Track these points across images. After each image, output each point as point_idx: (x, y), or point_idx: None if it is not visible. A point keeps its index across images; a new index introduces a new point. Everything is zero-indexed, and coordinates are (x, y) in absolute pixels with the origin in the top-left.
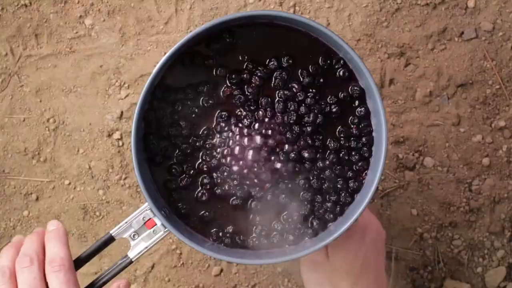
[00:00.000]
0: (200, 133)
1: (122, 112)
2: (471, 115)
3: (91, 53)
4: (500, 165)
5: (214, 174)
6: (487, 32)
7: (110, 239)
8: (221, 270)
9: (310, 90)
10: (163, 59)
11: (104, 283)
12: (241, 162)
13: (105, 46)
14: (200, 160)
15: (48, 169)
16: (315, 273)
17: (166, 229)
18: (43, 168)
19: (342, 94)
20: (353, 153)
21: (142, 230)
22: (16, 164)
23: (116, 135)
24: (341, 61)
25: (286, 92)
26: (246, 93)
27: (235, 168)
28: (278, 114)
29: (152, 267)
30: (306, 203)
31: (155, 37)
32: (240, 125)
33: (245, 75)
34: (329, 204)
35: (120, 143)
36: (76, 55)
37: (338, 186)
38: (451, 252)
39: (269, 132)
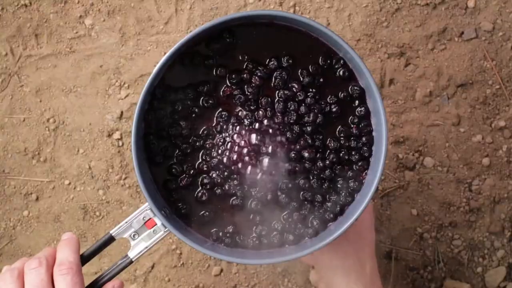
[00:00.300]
0: (200, 133)
1: (122, 112)
2: (471, 115)
3: (91, 53)
4: (500, 165)
5: (214, 174)
6: (487, 32)
7: (110, 239)
8: (221, 270)
9: (310, 90)
10: (163, 59)
11: (104, 283)
12: (241, 162)
13: (105, 46)
14: (200, 160)
15: (48, 169)
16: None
17: (166, 229)
18: (43, 168)
19: (342, 94)
20: (353, 153)
21: (142, 230)
22: (16, 164)
23: (116, 135)
24: (341, 61)
25: (286, 92)
26: (246, 93)
27: (235, 168)
28: (278, 114)
29: (152, 267)
30: (306, 202)
31: (155, 37)
32: (240, 125)
33: (245, 75)
34: (329, 204)
35: (120, 143)
36: (76, 55)
37: (338, 185)
38: (451, 252)
39: (269, 131)
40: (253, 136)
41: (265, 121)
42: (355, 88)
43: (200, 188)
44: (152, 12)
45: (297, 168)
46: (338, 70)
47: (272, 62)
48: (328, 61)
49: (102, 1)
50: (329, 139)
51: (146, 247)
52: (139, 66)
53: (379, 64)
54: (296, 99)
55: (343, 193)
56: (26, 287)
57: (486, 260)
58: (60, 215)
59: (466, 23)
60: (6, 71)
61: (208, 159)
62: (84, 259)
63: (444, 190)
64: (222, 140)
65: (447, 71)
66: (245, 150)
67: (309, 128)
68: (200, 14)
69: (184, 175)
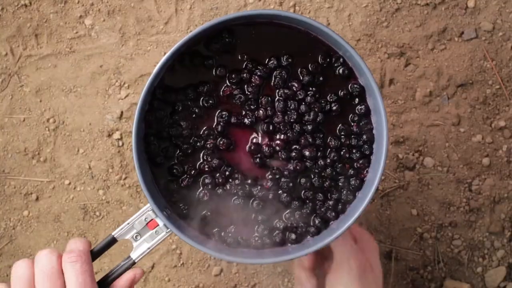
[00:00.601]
0: (201, 133)
1: (122, 112)
2: (471, 115)
3: (91, 53)
4: (500, 165)
5: (216, 174)
6: (487, 32)
7: (113, 241)
8: (221, 270)
9: (310, 89)
10: (163, 59)
11: (109, 284)
12: (242, 162)
13: (105, 46)
14: (201, 160)
15: (48, 169)
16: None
17: (169, 229)
18: (43, 168)
19: (342, 92)
20: (354, 151)
21: (144, 231)
22: (16, 164)
23: (116, 135)
24: (341, 59)
25: (286, 91)
26: (246, 92)
27: (236, 167)
28: (279, 113)
29: (152, 267)
30: (307, 201)
31: (155, 37)
32: (241, 124)
33: (245, 75)
34: (330, 202)
35: (120, 143)
36: (76, 55)
37: (339, 184)
38: (451, 252)
39: (270, 131)
40: (254, 135)
41: (266, 121)
42: (355, 86)
43: (201, 188)
44: (152, 12)
45: (298, 167)
46: (338, 69)
47: (271, 62)
48: (328, 60)
49: (102, 1)
50: (329, 137)
51: (149, 248)
52: (139, 66)
53: (379, 64)
54: (296, 98)
55: (344, 192)
56: (36, 272)
57: (486, 260)
58: (60, 215)
59: (466, 23)
60: (6, 71)
61: (209, 159)
62: None
63: (444, 190)
64: (223, 140)
65: (447, 71)
66: (245, 150)
67: (309, 127)
68: (200, 14)
69: (185, 175)
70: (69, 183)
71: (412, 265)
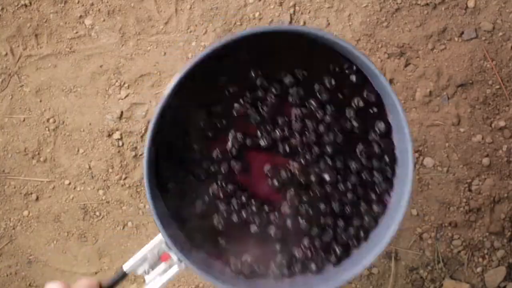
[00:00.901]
0: (214, 156)
1: (122, 112)
2: (471, 115)
3: (91, 53)
4: (500, 165)
5: (231, 200)
6: (487, 32)
7: (123, 276)
8: None
9: (328, 107)
10: (174, 80)
11: None
12: (258, 186)
13: (105, 46)
14: (215, 186)
15: (48, 169)
16: None
17: (182, 263)
18: (43, 168)
19: (362, 111)
20: (375, 174)
21: (157, 264)
22: (16, 164)
23: (116, 135)
24: (361, 77)
25: (303, 109)
26: (261, 112)
27: (252, 192)
28: (296, 134)
29: None
30: (327, 228)
31: (155, 37)
32: (257, 146)
33: (259, 93)
34: (352, 230)
35: (120, 143)
36: (76, 55)
37: (361, 210)
38: (451, 252)
39: (288, 153)
40: (271, 158)
41: (283, 142)
42: (375, 105)
43: (216, 216)
44: (152, 12)
45: (317, 192)
46: (357, 88)
47: (287, 78)
48: (346, 78)
49: (102, 1)
50: (349, 159)
51: (163, 283)
52: (139, 66)
53: (379, 64)
54: (314, 118)
55: (366, 218)
56: None
57: (486, 260)
58: (60, 215)
59: (466, 23)
60: (6, 71)
61: (224, 185)
62: None
63: (444, 190)
64: (238, 164)
65: (447, 71)
66: (263, 175)
67: (329, 149)
68: (200, 14)
69: (199, 202)
70: (69, 183)
71: (412, 265)
